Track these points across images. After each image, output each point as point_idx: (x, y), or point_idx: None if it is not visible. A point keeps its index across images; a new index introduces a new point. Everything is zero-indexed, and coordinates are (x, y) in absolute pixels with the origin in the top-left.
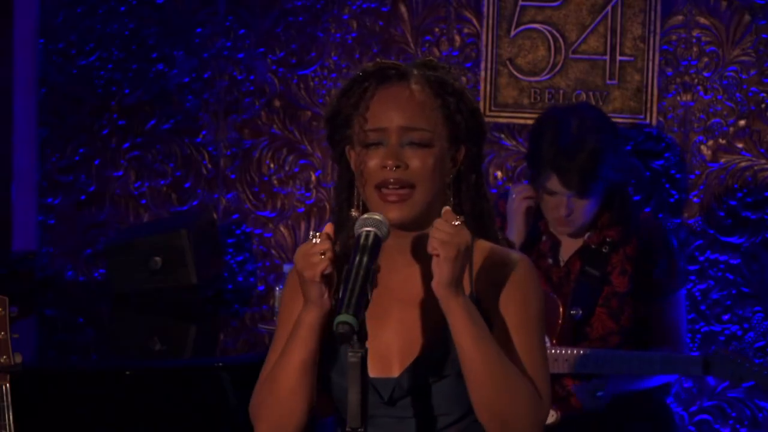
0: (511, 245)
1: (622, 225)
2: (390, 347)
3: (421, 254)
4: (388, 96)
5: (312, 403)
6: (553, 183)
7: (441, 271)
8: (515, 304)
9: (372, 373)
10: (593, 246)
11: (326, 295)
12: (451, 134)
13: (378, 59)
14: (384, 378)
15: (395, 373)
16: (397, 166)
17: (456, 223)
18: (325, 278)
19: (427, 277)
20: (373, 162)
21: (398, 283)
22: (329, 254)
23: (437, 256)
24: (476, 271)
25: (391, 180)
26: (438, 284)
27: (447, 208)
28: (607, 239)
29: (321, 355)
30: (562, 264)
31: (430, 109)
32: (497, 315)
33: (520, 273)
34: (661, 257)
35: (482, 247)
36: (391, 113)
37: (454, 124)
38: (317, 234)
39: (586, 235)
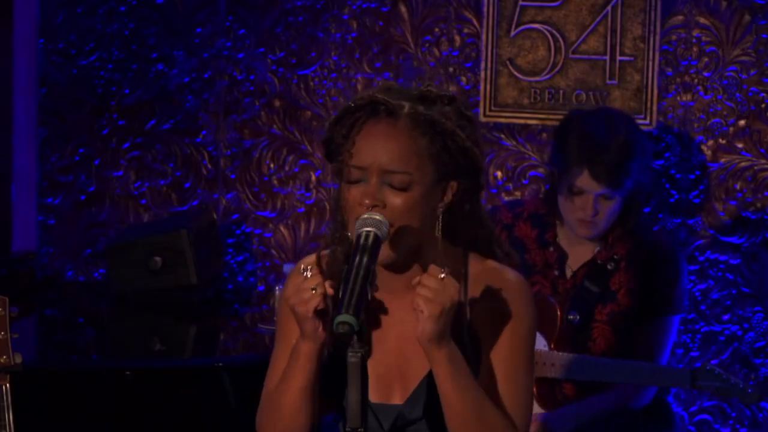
0: (512, 263)
1: (632, 241)
2: (390, 371)
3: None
4: (373, 133)
5: (315, 418)
6: (583, 179)
7: (424, 327)
8: (506, 331)
9: (373, 398)
10: (600, 261)
11: (320, 329)
12: (438, 172)
13: (372, 91)
14: (386, 404)
15: (397, 399)
16: (375, 206)
17: (442, 276)
18: (319, 313)
19: None
20: (353, 198)
21: (398, 308)
22: (321, 290)
23: (421, 312)
24: (470, 293)
25: None
26: (421, 338)
27: (432, 265)
28: (615, 256)
29: (324, 361)
30: (568, 276)
31: (415, 149)
32: (487, 338)
33: (513, 297)
34: (664, 278)
35: (478, 265)
36: (374, 153)
37: (441, 164)
38: (309, 267)
39: (596, 250)
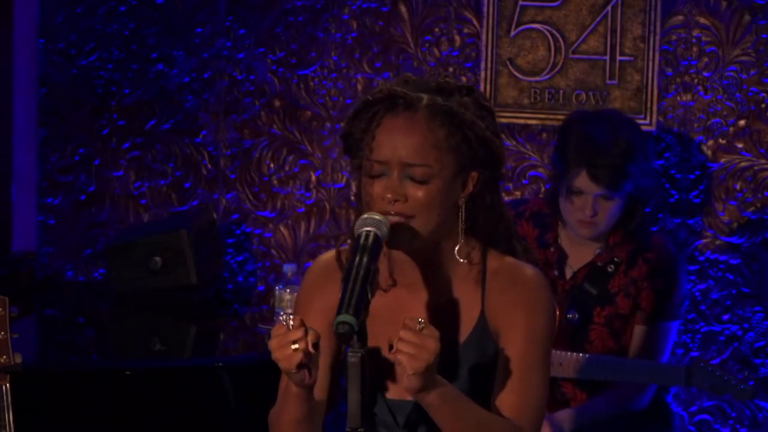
0: (531, 258)
1: (633, 245)
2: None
3: (435, 274)
4: (393, 127)
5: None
6: (582, 180)
7: (411, 383)
8: (522, 327)
9: (389, 395)
10: (600, 264)
11: (307, 378)
12: (458, 163)
13: (390, 84)
14: (400, 400)
15: (411, 395)
16: (396, 200)
17: (420, 328)
18: (303, 365)
19: (441, 297)
20: (375, 192)
21: (416, 303)
22: (302, 344)
23: (404, 368)
24: (488, 288)
25: (392, 212)
26: (409, 391)
27: (408, 318)
28: (615, 258)
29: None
30: (568, 277)
31: (434, 142)
32: (504, 334)
33: (530, 292)
34: (664, 284)
35: (496, 260)
36: (393, 146)
37: (460, 155)
38: (290, 317)
39: (596, 252)
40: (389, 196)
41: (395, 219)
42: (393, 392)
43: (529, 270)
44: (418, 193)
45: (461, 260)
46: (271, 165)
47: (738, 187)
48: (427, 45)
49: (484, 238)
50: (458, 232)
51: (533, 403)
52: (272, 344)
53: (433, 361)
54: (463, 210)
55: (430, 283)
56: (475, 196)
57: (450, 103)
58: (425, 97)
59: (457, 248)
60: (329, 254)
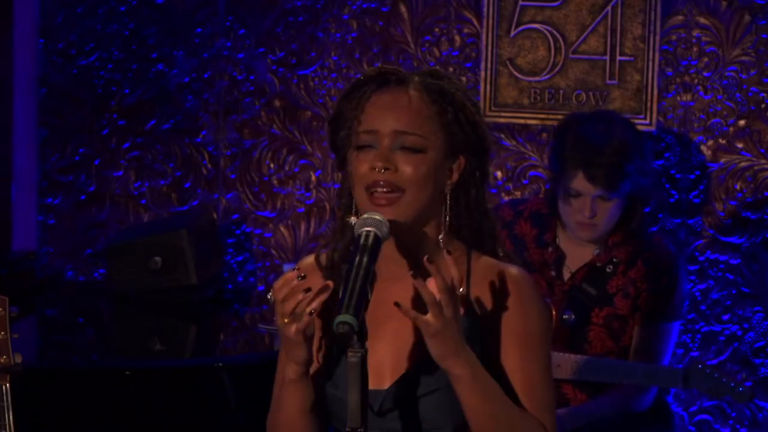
0: (512, 260)
1: (632, 246)
2: (383, 359)
3: (416, 265)
4: (384, 100)
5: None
6: (579, 182)
7: (430, 349)
8: (518, 334)
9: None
10: (599, 264)
11: (307, 354)
12: (448, 143)
13: (381, 64)
14: (375, 389)
15: (386, 385)
16: (386, 169)
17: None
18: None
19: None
20: (364, 164)
21: (394, 294)
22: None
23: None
24: (472, 284)
25: (381, 182)
26: (435, 359)
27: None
28: (614, 259)
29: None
30: (566, 278)
31: (426, 116)
32: (496, 334)
33: (518, 289)
34: (664, 285)
35: (479, 261)
36: (384, 116)
37: (451, 134)
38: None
39: (595, 253)
40: (379, 164)
41: (384, 196)
42: (372, 383)
43: (513, 269)
44: (409, 165)
45: (444, 250)
46: (271, 165)
47: (738, 187)
48: (427, 45)
49: (468, 238)
50: (443, 223)
51: (545, 408)
52: (279, 327)
53: (446, 327)
54: (448, 200)
55: (413, 275)
56: (459, 187)
57: (442, 83)
58: (417, 76)
59: (440, 236)
60: (309, 257)
